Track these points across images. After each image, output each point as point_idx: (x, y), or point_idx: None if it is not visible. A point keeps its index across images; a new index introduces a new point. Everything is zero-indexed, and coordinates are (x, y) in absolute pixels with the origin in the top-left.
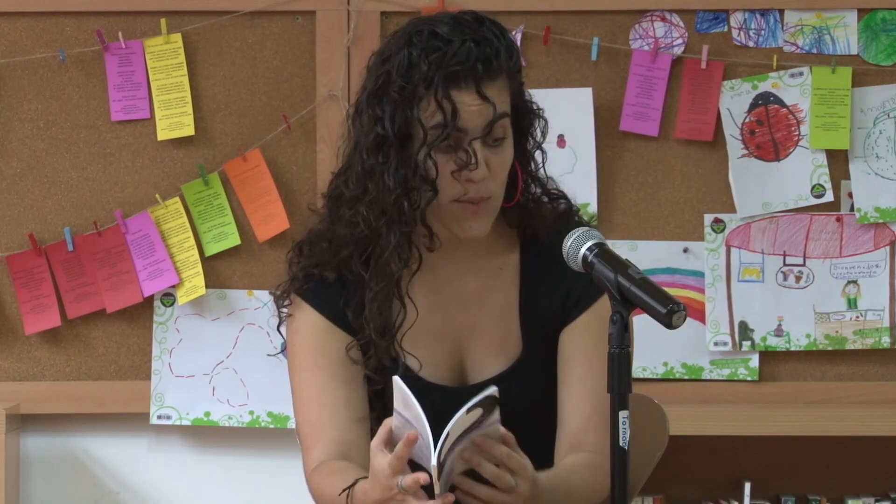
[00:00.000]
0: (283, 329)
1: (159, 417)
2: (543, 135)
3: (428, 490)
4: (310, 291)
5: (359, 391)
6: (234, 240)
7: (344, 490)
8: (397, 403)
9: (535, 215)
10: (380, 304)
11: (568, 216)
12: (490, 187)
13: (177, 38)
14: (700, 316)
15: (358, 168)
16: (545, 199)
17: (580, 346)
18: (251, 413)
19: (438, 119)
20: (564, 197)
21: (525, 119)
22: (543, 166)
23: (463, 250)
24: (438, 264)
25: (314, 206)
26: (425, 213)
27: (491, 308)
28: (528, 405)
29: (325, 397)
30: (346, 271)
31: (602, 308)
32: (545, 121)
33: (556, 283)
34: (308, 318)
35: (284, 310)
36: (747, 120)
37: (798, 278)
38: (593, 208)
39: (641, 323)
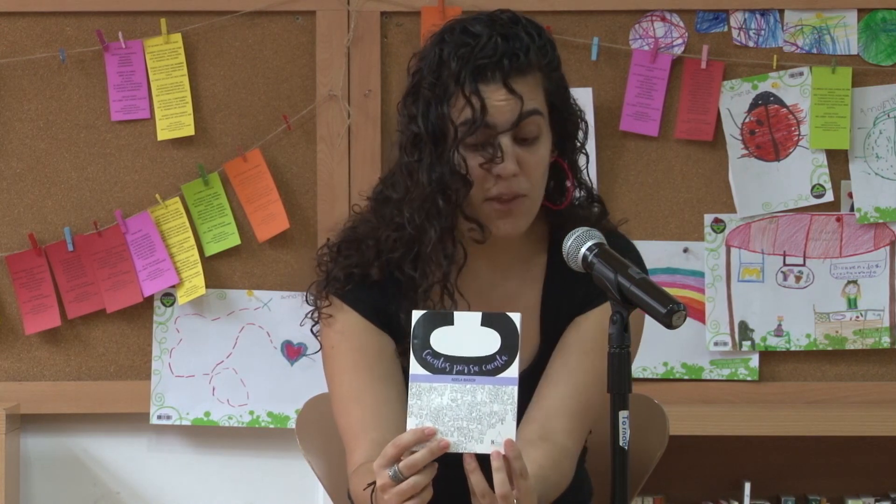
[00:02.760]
0: (316, 330)
1: (159, 417)
2: (586, 136)
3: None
4: (350, 293)
5: (399, 389)
6: (234, 240)
7: (368, 486)
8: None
9: (571, 219)
10: (431, 302)
11: (600, 221)
12: (522, 185)
13: (177, 38)
14: (700, 316)
15: (399, 168)
16: (585, 202)
17: (579, 338)
18: (251, 413)
19: (468, 114)
20: (601, 201)
21: (568, 121)
22: (587, 169)
23: (496, 251)
24: (470, 263)
25: (358, 207)
26: (464, 208)
27: (516, 309)
28: None
29: (366, 398)
30: (397, 273)
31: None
32: (586, 123)
33: (577, 285)
34: (349, 320)
35: (322, 311)
36: (747, 120)
37: (798, 278)
38: None
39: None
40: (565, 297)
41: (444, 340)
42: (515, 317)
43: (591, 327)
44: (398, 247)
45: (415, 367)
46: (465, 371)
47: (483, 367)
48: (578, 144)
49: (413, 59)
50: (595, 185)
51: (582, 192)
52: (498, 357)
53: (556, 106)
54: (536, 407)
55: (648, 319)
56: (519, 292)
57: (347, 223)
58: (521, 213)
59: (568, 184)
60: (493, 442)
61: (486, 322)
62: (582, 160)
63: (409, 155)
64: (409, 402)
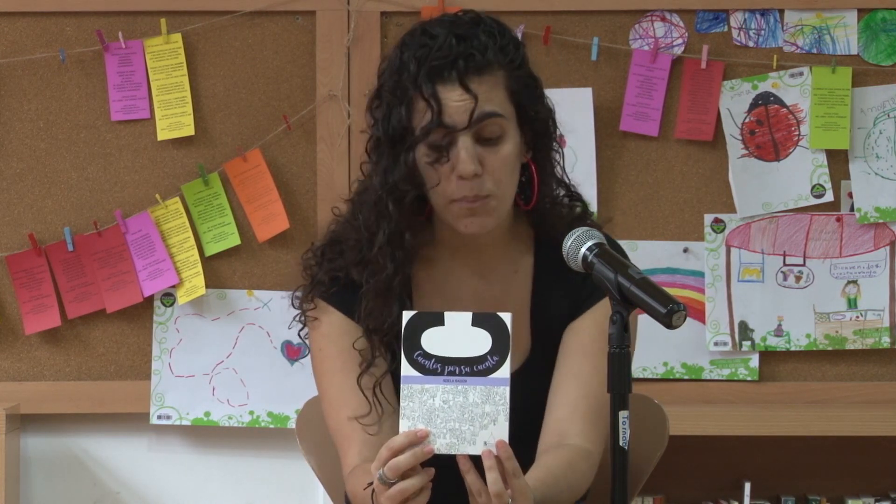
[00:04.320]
0: (303, 333)
1: (159, 417)
2: (555, 132)
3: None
4: (335, 295)
5: (388, 388)
6: (234, 240)
7: (367, 486)
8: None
9: (551, 218)
10: (372, 303)
11: (582, 220)
12: (486, 185)
13: (177, 38)
14: (700, 316)
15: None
16: (565, 200)
17: (580, 341)
18: (251, 413)
19: (427, 115)
20: (581, 199)
21: (537, 120)
22: (562, 167)
23: (478, 254)
24: (454, 268)
25: (338, 210)
26: (412, 212)
27: (506, 310)
28: (534, 407)
29: (356, 399)
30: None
31: (608, 307)
32: (554, 122)
33: (568, 285)
34: (334, 322)
35: (308, 314)
36: (747, 120)
37: (798, 278)
38: (593, 208)
39: (642, 323)
40: (555, 296)
41: (434, 341)
42: (506, 317)
43: (589, 330)
44: (365, 246)
45: (406, 369)
46: (457, 372)
47: (474, 367)
48: (552, 143)
49: (383, 62)
50: (595, 188)
51: (560, 191)
52: (489, 357)
53: (523, 105)
54: (549, 417)
55: (648, 319)
56: (508, 294)
57: (331, 225)
58: (487, 212)
59: (537, 182)
60: (485, 443)
61: (476, 322)
62: (558, 158)
63: (371, 158)
64: (402, 404)
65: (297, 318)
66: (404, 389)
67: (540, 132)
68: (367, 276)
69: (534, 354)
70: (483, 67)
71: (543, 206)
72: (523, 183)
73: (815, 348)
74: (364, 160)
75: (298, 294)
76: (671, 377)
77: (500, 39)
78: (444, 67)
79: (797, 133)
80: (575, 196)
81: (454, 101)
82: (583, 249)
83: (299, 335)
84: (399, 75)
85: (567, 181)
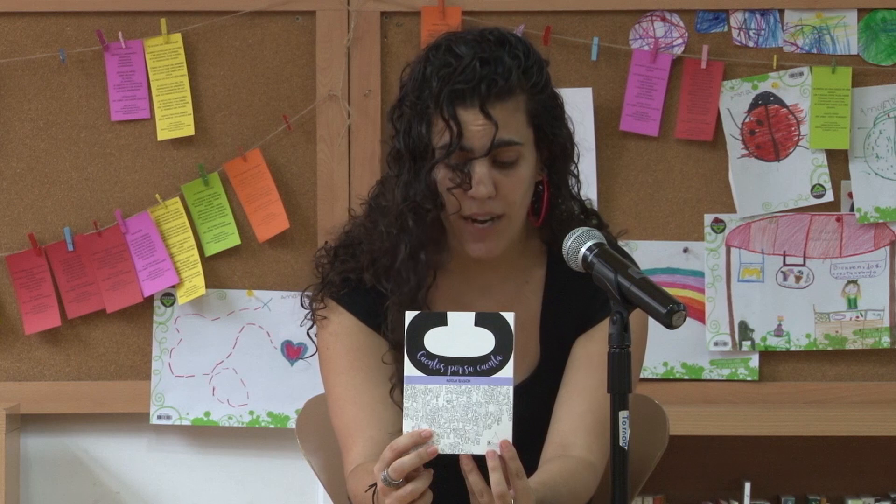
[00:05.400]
0: (312, 332)
1: (159, 417)
2: (573, 155)
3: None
4: (346, 296)
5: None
6: (234, 240)
7: (369, 487)
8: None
9: (564, 233)
10: (398, 316)
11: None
12: (498, 206)
13: (177, 38)
14: (700, 316)
15: (385, 179)
16: (580, 216)
17: (588, 353)
18: (251, 413)
19: (446, 137)
20: (597, 215)
21: (554, 142)
22: (577, 182)
23: (489, 265)
24: (465, 278)
25: (354, 212)
26: (432, 228)
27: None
28: (542, 416)
29: (362, 398)
30: (383, 280)
31: None
32: (573, 142)
33: (578, 298)
34: (344, 322)
35: (318, 313)
36: (747, 120)
37: (798, 278)
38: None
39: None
40: (565, 309)
41: (438, 341)
42: (509, 316)
43: (598, 344)
44: (387, 254)
45: (409, 369)
46: (460, 372)
47: (478, 367)
48: (569, 162)
49: (406, 69)
50: (595, 188)
51: (575, 207)
52: (492, 357)
53: (542, 127)
54: (554, 429)
55: (649, 319)
56: (518, 305)
57: (346, 227)
58: (497, 234)
59: (554, 200)
60: (489, 443)
61: (479, 322)
62: (574, 177)
63: (391, 168)
64: (405, 405)
65: (307, 317)
66: (408, 389)
67: (557, 153)
68: (392, 290)
69: (542, 366)
70: (505, 93)
71: (557, 222)
72: (535, 199)
73: (815, 348)
74: (385, 168)
75: (309, 293)
76: (671, 377)
77: (525, 62)
78: (466, 91)
79: (797, 133)
80: (590, 212)
81: (474, 125)
82: (583, 249)
83: (308, 333)
84: (421, 91)
85: (582, 199)
